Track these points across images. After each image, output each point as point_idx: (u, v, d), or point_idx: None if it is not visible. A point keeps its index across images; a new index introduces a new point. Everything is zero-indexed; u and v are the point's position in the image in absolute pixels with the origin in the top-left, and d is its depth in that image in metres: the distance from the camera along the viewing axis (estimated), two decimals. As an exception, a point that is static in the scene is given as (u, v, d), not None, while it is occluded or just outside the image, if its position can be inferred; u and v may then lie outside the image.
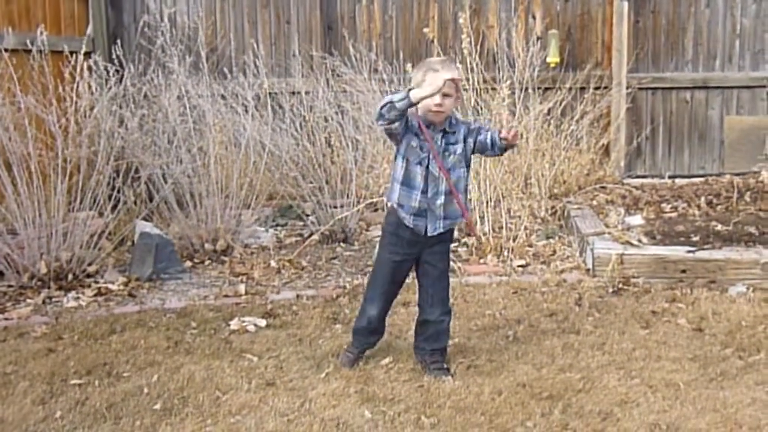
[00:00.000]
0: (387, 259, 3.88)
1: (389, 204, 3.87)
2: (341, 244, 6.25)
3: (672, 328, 4.38)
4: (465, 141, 3.77)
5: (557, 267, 5.47)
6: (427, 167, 3.72)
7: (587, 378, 3.76)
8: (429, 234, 3.78)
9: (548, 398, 3.57)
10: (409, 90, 3.57)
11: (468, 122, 3.89)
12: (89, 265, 5.45)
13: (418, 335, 3.98)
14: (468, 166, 3.83)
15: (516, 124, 3.67)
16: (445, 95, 3.64)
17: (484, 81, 6.52)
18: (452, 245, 5.87)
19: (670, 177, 7.81)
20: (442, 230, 3.80)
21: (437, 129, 3.74)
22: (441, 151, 3.73)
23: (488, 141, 3.74)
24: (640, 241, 5.34)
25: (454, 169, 3.76)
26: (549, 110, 7.01)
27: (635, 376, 3.78)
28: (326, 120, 6.71)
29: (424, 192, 3.74)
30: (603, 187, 7.02)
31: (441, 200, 3.75)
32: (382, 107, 3.57)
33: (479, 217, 5.99)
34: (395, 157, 3.80)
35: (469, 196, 6.08)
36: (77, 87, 5.79)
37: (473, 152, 3.82)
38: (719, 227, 5.77)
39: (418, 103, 3.57)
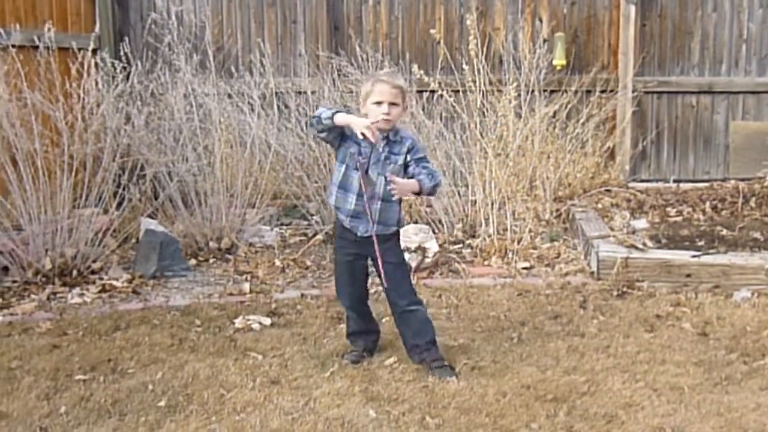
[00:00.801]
0: (340, 260, 4.03)
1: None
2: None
3: (676, 332, 4.37)
4: (406, 155, 3.84)
5: (562, 270, 5.47)
6: (366, 172, 3.80)
7: (592, 381, 3.76)
8: (361, 235, 3.86)
9: (553, 400, 3.57)
10: (336, 112, 3.71)
11: (416, 141, 3.94)
12: (94, 261, 5.46)
13: (405, 335, 4.00)
14: (406, 176, 3.88)
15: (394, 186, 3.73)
16: (392, 104, 3.77)
17: (490, 83, 6.53)
18: (457, 246, 5.96)
19: (674, 181, 7.80)
20: (375, 233, 3.82)
21: (381, 136, 3.80)
22: (382, 158, 3.81)
23: (415, 177, 3.80)
24: (644, 244, 5.33)
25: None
26: (554, 113, 7.00)
27: (640, 380, 3.78)
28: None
29: (360, 195, 3.81)
30: (608, 191, 7.01)
31: (377, 206, 3.83)
32: (311, 119, 3.77)
33: (484, 218, 5.99)
34: (335, 163, 3.91)
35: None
36: (84, 84, 5.80)
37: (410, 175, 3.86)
38: (724, 232, 5.77)
39: (341, 126, 3.72)
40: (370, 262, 3.98)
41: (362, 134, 3.66)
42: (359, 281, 4.02)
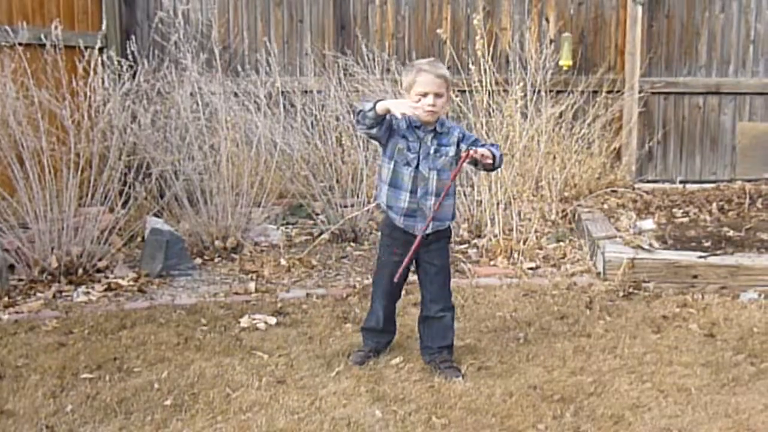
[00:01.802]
0: (386, 260, 3.93)
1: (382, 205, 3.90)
2: (351, 243, 6.25)
3: (683, 333, 4.36)
4: (458, 145, 3.77)
5: (568, 270, 5.46)
6: (417, 167, 3.74)
7: (599, 381, 3.75)
8: (418, 234, 3.77)
9: (560, 401, 3.56)
10: (377, 101, 3.62)
11: (464, 129, 3.90)
12: (99, 260, 5.46)
13: (423, 336, 3.98)
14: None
15: (486, 150, 3.62)
16: (436, 95, 3.67)
17: (497, 83, 6.52)
18: (463, 246, 5.96)
19: (681, 182, 7.79)
20: (431, 231, 3.80)
21: (428, 129, 3.75)
22: (432, 151, 3.75)
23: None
24: (651, 245, 5.32)
25: (444, 171, 3.77)
26: (561, 113, 6.99)
27: (647, 381, 3.77)
28: (337, 119, 6.71)
29: (413, 192, 3.76)
30: (614, 191, 7.00)
31: (431, 201, 3.77)
32: (356, 115, 3.67)
33: (490, 219, 5.99)
34: (382, 159, 3.83)
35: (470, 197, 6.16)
36: (91, 82, 5.81)
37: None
38: (731, 233, 5.76)
39: (382, 114, 3.60)
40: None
41: (402, 114, 3.56)
42: (399, 284, 3.94)
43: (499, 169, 3.97)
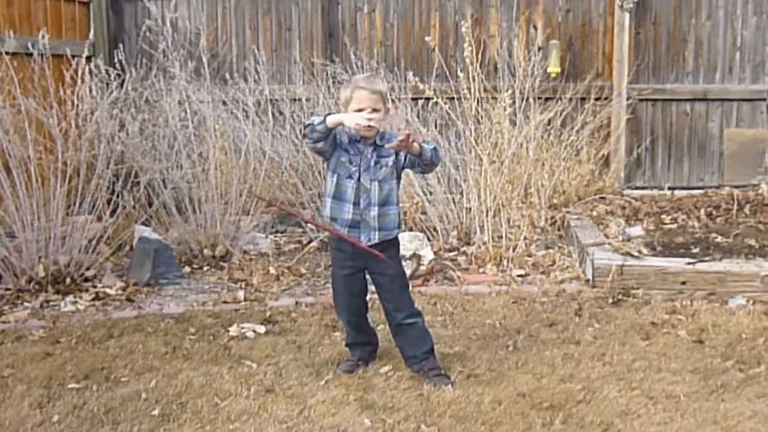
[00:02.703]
0: (337, 274, 3.97)
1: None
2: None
3: (672, 340, 4.37)
4: (397, 154, 3.81)
5: (557, 277, 5.46)
6: (358, 179, 3.78)
7: (588, 389, 3.75)
8: (364, 245, 3.81)
9: (549, 408, 3.56)
10: (327, 115, 3.69)
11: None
12: (87, 269, 5.43)
13: (403, 346, 3.98)
14: (399, 178, 3.89)
15: (409, 130, 3.68)
16: (373, 110, 3.72)
17: (485, 90, 6.53)
18: (452, 253, 5.95)
19: (669, 188, 7.80)
20: (377, 241, 3.82)
21: (368, 142, 3.80)
22: (372, 163, 3.79)
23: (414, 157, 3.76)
24: (640, 252, 5.33)
25: (385, 181, 3.82)
26: (549, 120, 6.99)
27: (636, 388, 3.77)
28: (327, 127, 6.69)
29: (356, 204, 3.80)
30: (603, 198, 7.01)
31: (375, 212, 3.80)
32: (305, 128, 3.72)
33: (479, 226, 5.99)
34: (328, 174, 3.87)
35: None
36: (78, 90, 5.79)
37: (404, 167, 3.86)
38: (719, 239, 5.77)
39: (332, 128, 3.67)
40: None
41: (357, 125, 3.63)
42: (358, 296, 3.97)
43: (434, 169, 3.99)
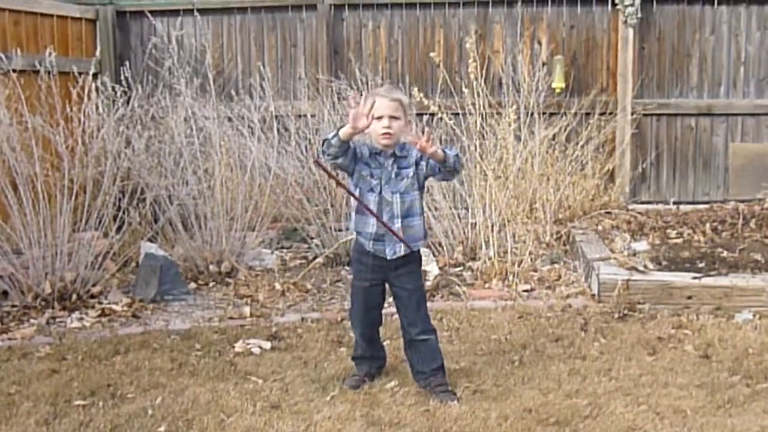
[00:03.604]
0: (357, 286, 3.98)
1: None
2: (346, 267, 6.24)
3: (679, 355, 4.36)
4: (417, 164, 3.82)
5: (563, 292, 5.46)
6: (380, 193, 3.79)
7: (594, 404, 3.74)
8: (389, 258, 3.82)
9: (555, 424, 3.55)
10: (340, 128, 3.68)
11: None
12: (93, 285, 5.44)
13: (413, 361, 3.98)
14: (421, 189, 3.88)
15: (425, 133, 3.64)
16: (392, 118, 3.73)
17: (490, 105, 6.55)
18: (458, 269, 5.95)
19: (674, 203, 7.81)
20: (402, 254, 3.83)
21: (388, 154, 3.80)
22: (393, 175, 3.80)
23: (436, 163, 3.74)
24: (645, 266, 5.33)
25: (407, 193, 3.82)
26: (554, 135, 7.01)
27: (642, 403, 3.76)
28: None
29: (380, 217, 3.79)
30: (608, 213, 7.01)
31: (398, 224, 3.81)
32: (322, 145, 3.73)
33: (484, 241, 5.99)
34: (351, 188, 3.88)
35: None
36: (85, 108, 5.82)
37: (426, 176, 3.85)
38: (725, 254, 5.76)
39: (349, 138, 3.65)
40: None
41: (364, 124, 3.60)
42: (374, 308, 3.98)
43: (457, 176, 3.98)
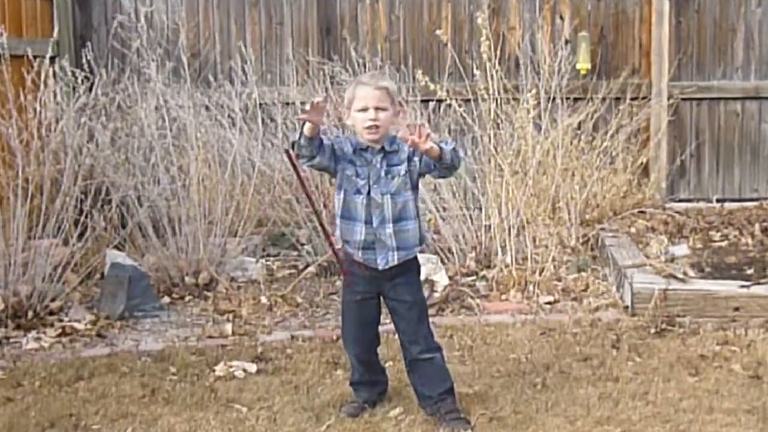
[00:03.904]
0: (348, 300, 3.98)
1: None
2: (341, 277, 6.22)
3: (725, 375, 4.36)
4: (410, 160, 3.81)
5: (591, 304, 5.47)
6: (368, 194, 3.78)
7: (628, 432, 3.75)
8: (381, 268, 3.81)
9: (584, 456, 3.55)
10: (303, 124, 3.66)
11: None
12: (52, 300, 5.44)
13: (417, 385, 3.97)
14: (415, 188, 3.86)
15: (419, 123, 3.62)
16: (378, 109, 3.71)
17: (505, 90, 6.55)
18: (470, 278, 5.95)
19: (718, 200, 7.81)
20: (396, 263, 3.82)
21: (376, 150, 3.79)
22: (383, 173, 3.79)
23: (431, 159, 3.72)
24: (685, 274, 5.33)
25: (399, 194, 3.80)
26: (579, 124, 7.02)
27: (684, 431, 3.75)
28: (325, 134, 6.71)
29: (368, 222, 3.79)
30: (642, 212, 7.02)
31: (390, 229, 3.79)
32: (293, 149, 3.72)
33: (500, 246, 5.99)
34: (335, 191, 3.88)
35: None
36: (41, 96, 5.82)
37: (420, 173, 3.84)
38: (777, 258, 5.78)
39: (311, 135, 3.62)
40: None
41: (317, 103, 3.57)
42: (369, 325, 3.97)
43: (455, 172, 3.94)
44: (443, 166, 3.71)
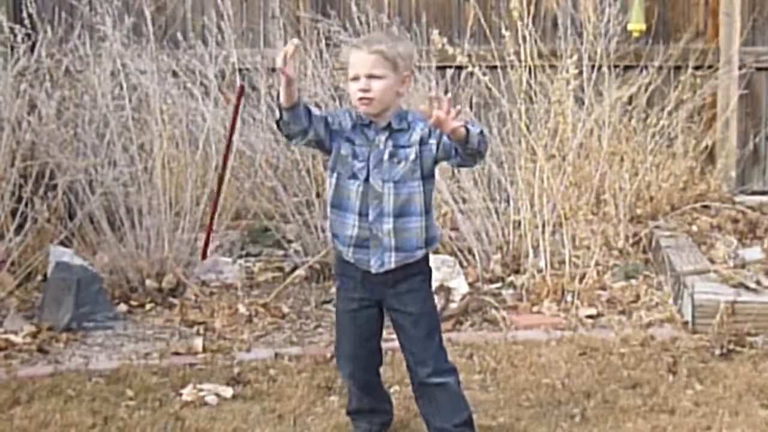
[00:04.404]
0: (342, 309, 3.97)
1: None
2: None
3: (805, 408, 4.38)
4: (424, 143, 3.77)
5: (642, 318, 5.48)
6: (366, 181, 3.75)
7: (686, 476, 3.77)
8: (375, 271, 3.79)
9: (632, 504, 3.57)
10: (278, 95, 3.64)
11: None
12: (-18, 307, 5.47)
13: (427, 415, 3.96)
14: (427, 177, 3.81)
15: (446, 99, 3.54)
16: (371, 77, 3.67)
17: (540, 56, 6.54)
18: (494, 285, 5.96)
19: (800, 194, 7.82)
20: (393, 266, 3.79)
21: (380, 126, 3.76)
22: (386, 156, 3.76)
23: (453, 143, 3.68)
24: (758, 283, 5.34)
25: (403, 182, 3.76)
26: (630, 98, 7.02)
27: (754, 475, 3.78)
28: (318, 107, 6.73)
29: (363, 214, 3.76)
30: (706, 207, 7.02)
31: (389, 224, 3.77)
32: (279, 131, 3.73)
33: (532, 247, 5.99)
34: (327, 173, 3.88)
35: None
36: (-29, 59, 5.83)
37: (438, 159, 3.80)
38: None
39: (290, 103, 3.60)
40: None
41: (283, 58, 3.55)
42: (367, 341, 3.95)
43: (479, 161, 3.89)
44: (467, 152, 3.65)
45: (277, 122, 3.69)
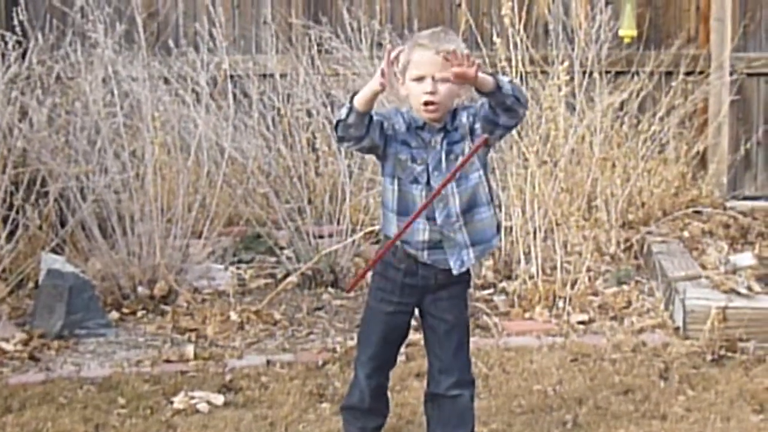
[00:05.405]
0: (376, 309, 3.90)
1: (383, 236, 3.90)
2: (329, 289, 6.25)
3: (797, 413, 4.38)
4: (472, 131, 3.73)
5: (633, 324, 5.49)
6: (428, 184, 3.71)
7: (678, 483, 3.77)
8: (456, 272, 3.76)
9: None
10: (353, 95, 3.59)
11: (471, 105, 3.80)
12: (-26, 315, 5.46)
13: (432, 420, 3.96)
14: (484, 165, 3.79)
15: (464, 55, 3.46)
16: (441, 80, 3.60)
17: (532, 62, 6.56)
18: (486, 291, 5.97)
19: (791, 199, 7.83)
20: (474, 261, 3.80)
21: (435, 128, 3.73)
22: (443, 156, 3.72)
23: (488, 108, 3.63)
24: (750, 288, 5.34)
25: (465, 178, 3.73)
26: (622, 103, 7.04)
27: (746, 481, 3.79)
28: (309, 114, 6.74)
29: (431, 219, 3.73)
30: (697, 212, 7.03)
31: (459, 224, 3.75)
32: (335, 129, 3.65)
33: (524, 253, 6.00)
34: (383, 179, 3.81)
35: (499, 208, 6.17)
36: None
37: (486, 133, 3.69)
38: None
39: (366, 109, 3.56)
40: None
41: (381, 83, 3.48)
42: (393, 344, 3.93)
43: (523, 112, 3.73)
44: (505, 105, 3.56)
45: (338, 121, 3.61)
